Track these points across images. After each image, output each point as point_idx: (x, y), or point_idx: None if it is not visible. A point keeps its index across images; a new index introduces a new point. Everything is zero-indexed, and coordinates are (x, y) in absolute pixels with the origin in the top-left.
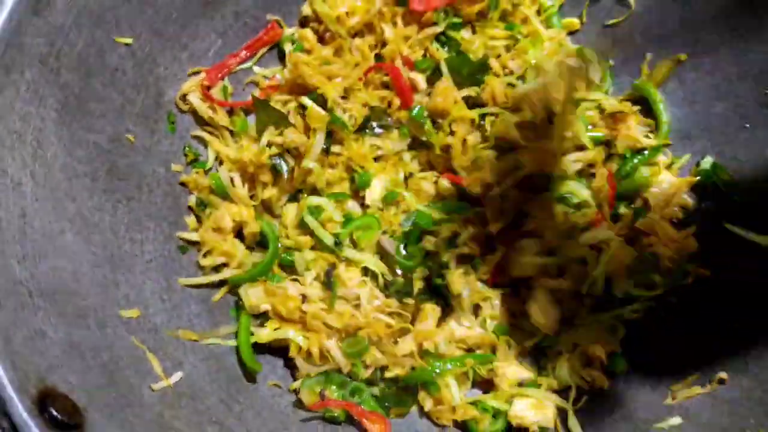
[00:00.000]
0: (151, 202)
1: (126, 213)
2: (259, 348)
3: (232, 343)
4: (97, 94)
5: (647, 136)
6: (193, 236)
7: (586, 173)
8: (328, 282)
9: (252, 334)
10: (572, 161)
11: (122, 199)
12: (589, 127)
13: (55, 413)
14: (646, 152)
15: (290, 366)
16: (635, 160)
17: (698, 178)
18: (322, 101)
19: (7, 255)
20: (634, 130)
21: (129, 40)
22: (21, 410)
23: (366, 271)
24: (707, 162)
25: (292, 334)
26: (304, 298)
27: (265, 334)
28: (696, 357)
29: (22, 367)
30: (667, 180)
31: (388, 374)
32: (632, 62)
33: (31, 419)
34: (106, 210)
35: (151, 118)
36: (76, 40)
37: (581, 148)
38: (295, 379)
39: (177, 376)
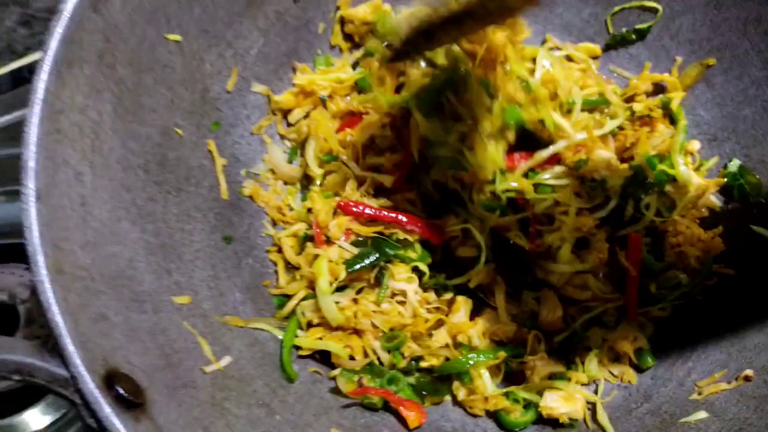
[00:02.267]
0: (198, 194)
1: (176, 204)
2: None
3: (277, 331)
4: (148, 89)
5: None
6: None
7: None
8: (380, 276)
9: (296, 336)
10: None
11: (172, 190)
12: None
13: (121, 391)
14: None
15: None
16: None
17: (725, 180)
18: None
19: (72, 241)
20: (660, 134)
21: (178, 38)
22: (92, 387)
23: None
24: (734, 165)
25: (334, 347)
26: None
27: (308, 342)
28: (722, 354)
29: (90, 348)
30: (695, 182)
31: (423, 364)
32: (662, 65)
33: (101, 396)
34: (158, 200)
35: (197, 113)
36: (129, 37)
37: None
38: (333, 368)
39: (226, 360)
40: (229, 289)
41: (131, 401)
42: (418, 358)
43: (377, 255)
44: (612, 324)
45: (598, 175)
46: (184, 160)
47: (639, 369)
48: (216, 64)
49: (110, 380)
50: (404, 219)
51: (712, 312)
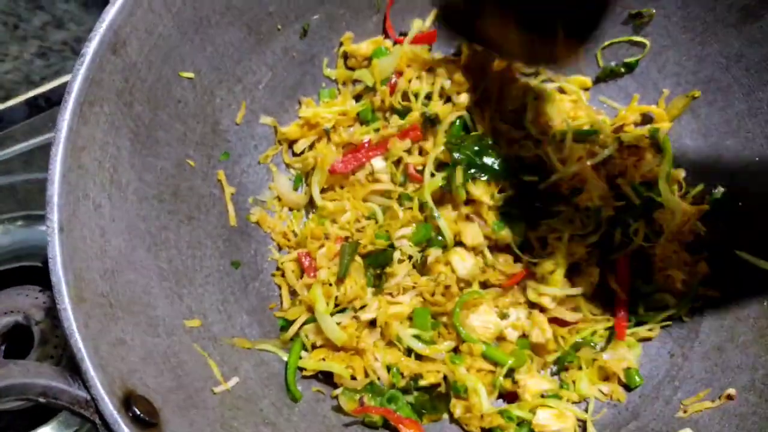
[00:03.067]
0: (209, 222)
1: (188, 231)
2: None
3: (282, 353)
4: (163, 124)
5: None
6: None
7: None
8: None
9: (300, 357)
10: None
11: (184, 219)
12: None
13: (138, 412)
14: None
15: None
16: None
17: (708, 207)
18: None
19: (92, 270)
20: (648, 163)
21: (191, 75)
22: (111, 409)
23: None
24: (719, 192)
25: (337, 368)
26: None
27: (311, 363)
28: (706, 373)
29: (109, 372)
30: (681, 208)
31: (422, 383)
32: (650, 96)
33: (120, 417)
34: (171, 229)
35: (208, 144)
36: (146, 76)
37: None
38: (335, 387)
39: (234, 380)
40: (236, 312)
41: (147, 422)
42: (417, 377)
43: (352, 251)
44: (602, 345)
45: (593, 204)
46: (196, 189)
47: (628, 388)
48: (226, 99)
49: (128, 402)
50: None
51: (697, 333)
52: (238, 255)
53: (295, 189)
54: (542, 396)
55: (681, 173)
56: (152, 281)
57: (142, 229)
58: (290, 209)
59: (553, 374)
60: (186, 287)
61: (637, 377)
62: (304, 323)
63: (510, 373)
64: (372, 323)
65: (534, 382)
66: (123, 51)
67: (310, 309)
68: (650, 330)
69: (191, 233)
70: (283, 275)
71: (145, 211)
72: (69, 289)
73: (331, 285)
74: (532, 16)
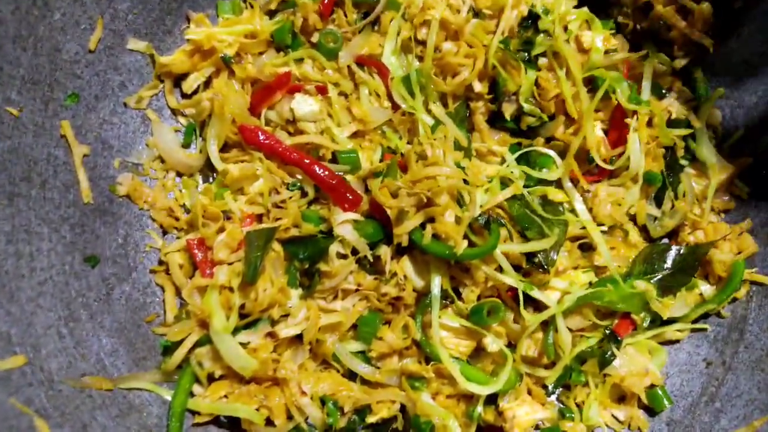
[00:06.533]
0: (45, 200)
1: (8, 217)
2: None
3: (163, 391)
4: None
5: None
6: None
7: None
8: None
9: (192, 394)
10: None
11: (1, 197)
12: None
13: None
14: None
15: None
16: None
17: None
18: None
19: None
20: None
21: None
22: None
23: None
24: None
25: (245, 411)
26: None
27: (207, 404)
28: (761, 391)
29: None
30: (717, 161)
31: (370, 419)
32: None
33: None
34: None
35: (42, 82)
36: None
37: None
38: None
39: None
40: (91, 334)
41: None
42: (363, 410)
43: (266, 239)
44: (609, 355)
45: None
46: (22, 151)
47: (651, 411)
48: (70, 13)
49: None
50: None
51: (742, 333)
52: (95, 247)
53: (186, 146)
54: (536, 429)
55: (717, 115)
56: None
57: None
58: (179, 175)
59: (550, 395)
60: (2, 305)
61: (664, 398)
62: (196, 345)
63: (492, 399)
64: (298, 339)
65: (525, 410)
66: None
67: (205, 324)
68: (679, 330)
69: (14, 219)
70: (167, 272)
71: None
72: None
73: (232, 290)
74: None
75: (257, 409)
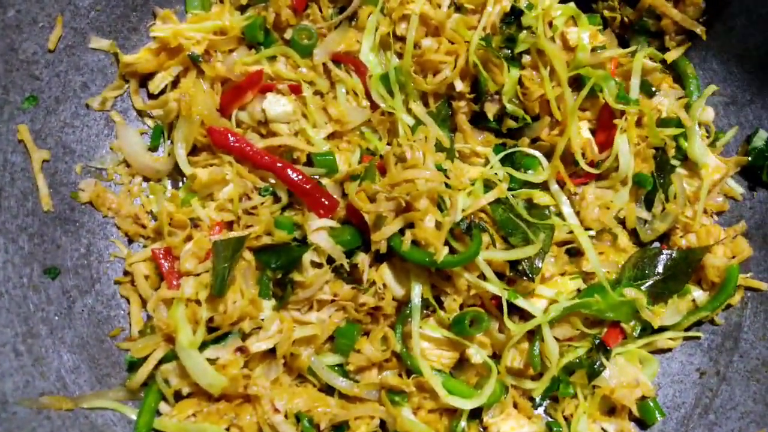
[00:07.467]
0: (2, 208)
1: None
2: None
3: (128, 410)
4: None
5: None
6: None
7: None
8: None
9: (158, 412)
10: None
11: None
12: None
13: None
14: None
15: None
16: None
17: (749, 158)
18: None
19: None
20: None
21: None
22: None
23: None
24: (761, 137)
25: (214, 430)
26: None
27: (174, 424)
28: (756, 402)
29: None
30: (710, 162)
31: None
32: None
33: None
34: None
35: None
36: None
37: None
38: None
39: None
40: (51, 350)
41: None
42: (339, 427)
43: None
44: (598, 365)
45: None
46: None
47: (643, 425)
48: (26, 10)
49: None
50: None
51: (737, 341)
52: (55, 257)
53: (153, 149)
54: None
55: (709, 113)
56: None
57: None
58: (145, 180)
59: (537, 408)
60: None
61: (656, 410)
62: (163, 361)
63: (477, 413)
64: (271, 353)
65: (510, 425)
66: None
67: (171, 339)
68: (671, 339)
69: None
70: (132, 283)
71: None
72: None
73: (200, 303)
74: None
75: (227, 429)
